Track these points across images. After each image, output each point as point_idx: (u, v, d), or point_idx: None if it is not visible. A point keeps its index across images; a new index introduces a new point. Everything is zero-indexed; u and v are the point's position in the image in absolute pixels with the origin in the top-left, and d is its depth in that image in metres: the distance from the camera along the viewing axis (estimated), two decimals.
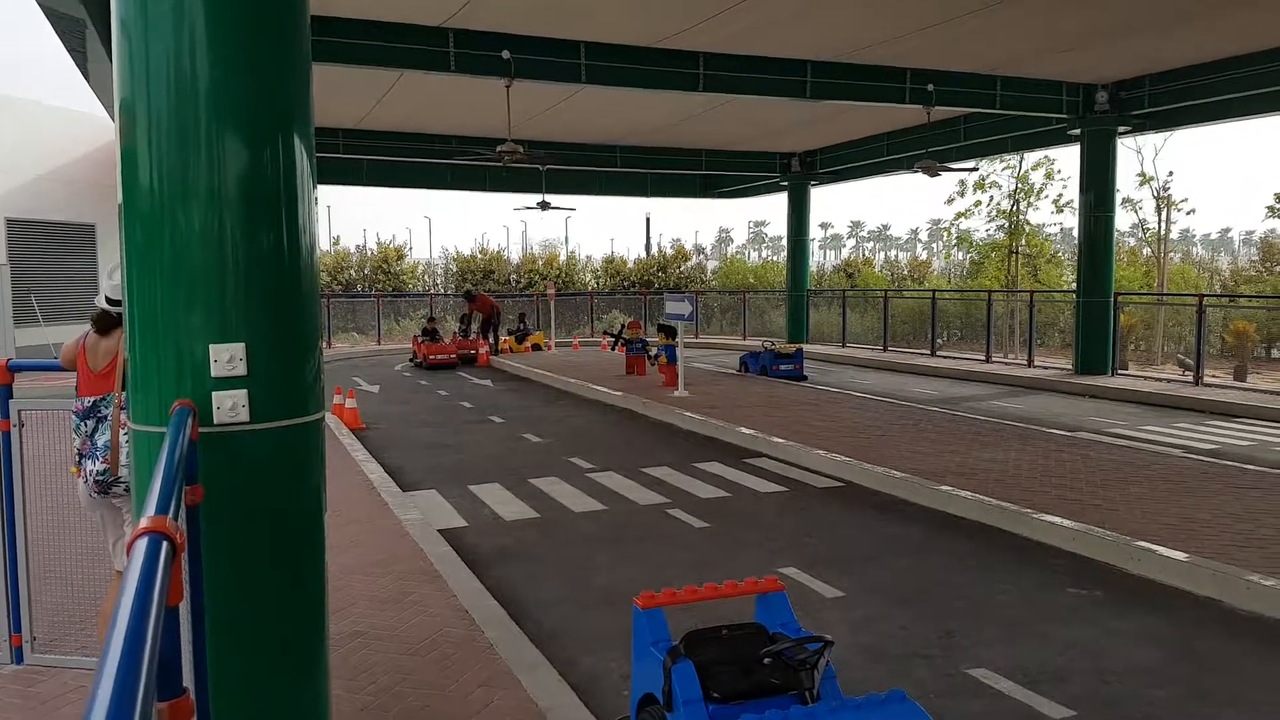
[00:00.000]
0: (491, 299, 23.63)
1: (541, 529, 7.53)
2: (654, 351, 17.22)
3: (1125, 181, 26.94)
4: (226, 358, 2.88)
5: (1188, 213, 49.96)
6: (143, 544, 1.47)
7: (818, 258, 73.78)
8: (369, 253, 34.88)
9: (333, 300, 28.30)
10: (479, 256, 35.18)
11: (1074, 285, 18.73)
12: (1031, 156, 25.06)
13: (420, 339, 21.70)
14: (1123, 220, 24.44)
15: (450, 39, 12.35)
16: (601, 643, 5.11)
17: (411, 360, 21.87)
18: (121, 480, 3.93)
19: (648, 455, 10.44)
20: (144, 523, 1.55)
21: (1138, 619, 5.46)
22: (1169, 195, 26.24)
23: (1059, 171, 25.83)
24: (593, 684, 4.58)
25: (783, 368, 17.41)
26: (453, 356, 20.97)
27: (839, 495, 8.59)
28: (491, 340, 22.56)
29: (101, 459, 3.95)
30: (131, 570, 1.37)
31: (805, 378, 17.37)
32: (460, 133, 20.44)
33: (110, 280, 4.10)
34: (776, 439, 10.46)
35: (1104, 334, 17.06)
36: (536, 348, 24.02)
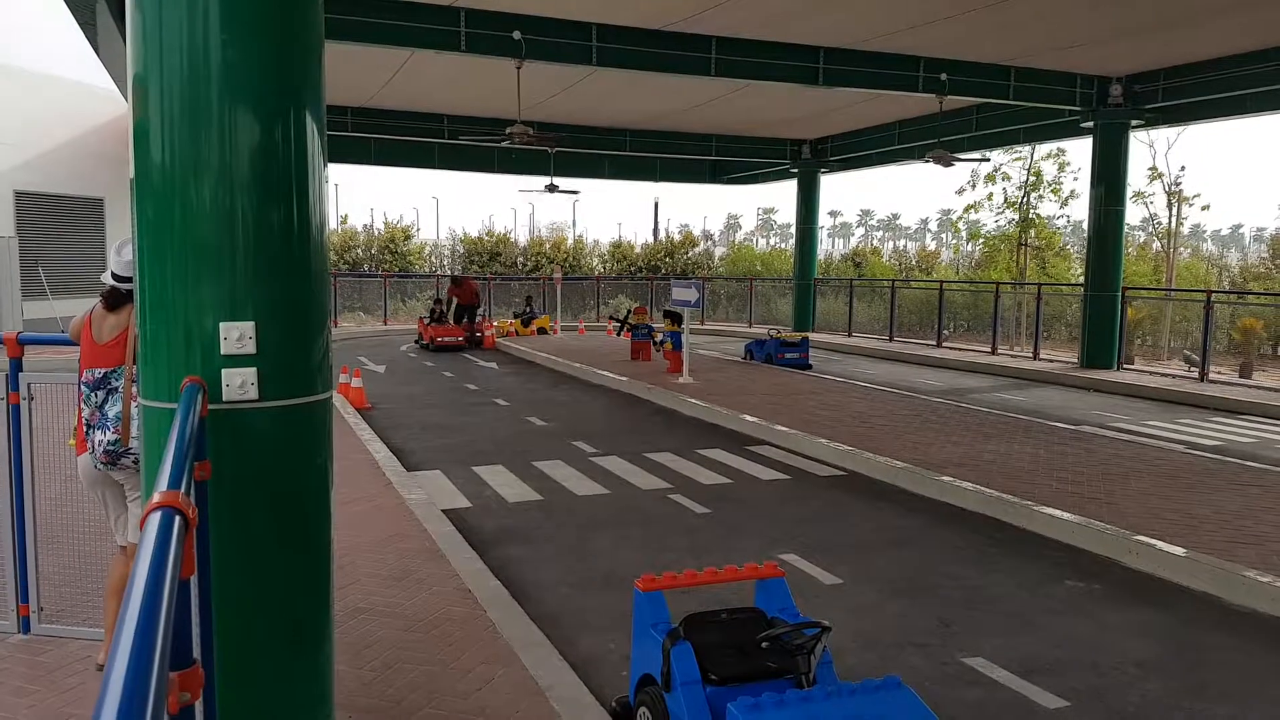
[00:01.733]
0: (476, 285, 23.21)
1: (544, 511, 7.57)
2: (659, 337, 17.24)
3: (1137, 175, 26.87)
4: (236, 335, 2.90)
5: (1203, 208, 49.73)
6: (156, 518, 1.50)
7: (826, 246, 73.54)
8: (376, 232, 34.91)
9: (339, 279, 28.32)
10: (486, 238, 35.17)
11: (1082, 278, 18.68)
12: (1043, 148, 24.95)
13: (427, 321, 21.70)
14: (1133, 214, 24.33)
15: (461, 18, 12.31)
16: (601, 624, 5.15)
17: (417, 342, 21.90)
18: (131, 451, 3.96)
19: (651, 441, 10.48)
20: (157, 498, 1.58)
21: (1135, 612, 5.49)
22: (1180, 190, 26.09)
23: (1069, 163, 25.75)
24: (592, 664, 4.63)
25: (788, 356, 17.42)
26: (459, 339, 20.92)
27: (841, 484, 8.62)
28: (469, 327, 21.77)
29: (113, 429, 3.98)
30: (145, 543, 1.40)
31: (810, 366, 17.38)
32: (470, 113, 20.40)
33: (119, 256, 4.12)
34: (780, 427, 10.49)
35: (1111, 328, 17.04)
36: (542, 331, 24.01)
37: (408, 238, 34.38)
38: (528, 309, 24.74)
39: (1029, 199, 26.66)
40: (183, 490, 1.68)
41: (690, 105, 19.09)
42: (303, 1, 3.08)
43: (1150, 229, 28.54)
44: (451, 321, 21.86)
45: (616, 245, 37.20)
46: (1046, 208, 27.89)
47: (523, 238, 39.07)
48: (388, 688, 4.10)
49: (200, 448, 2.64)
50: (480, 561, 5.96)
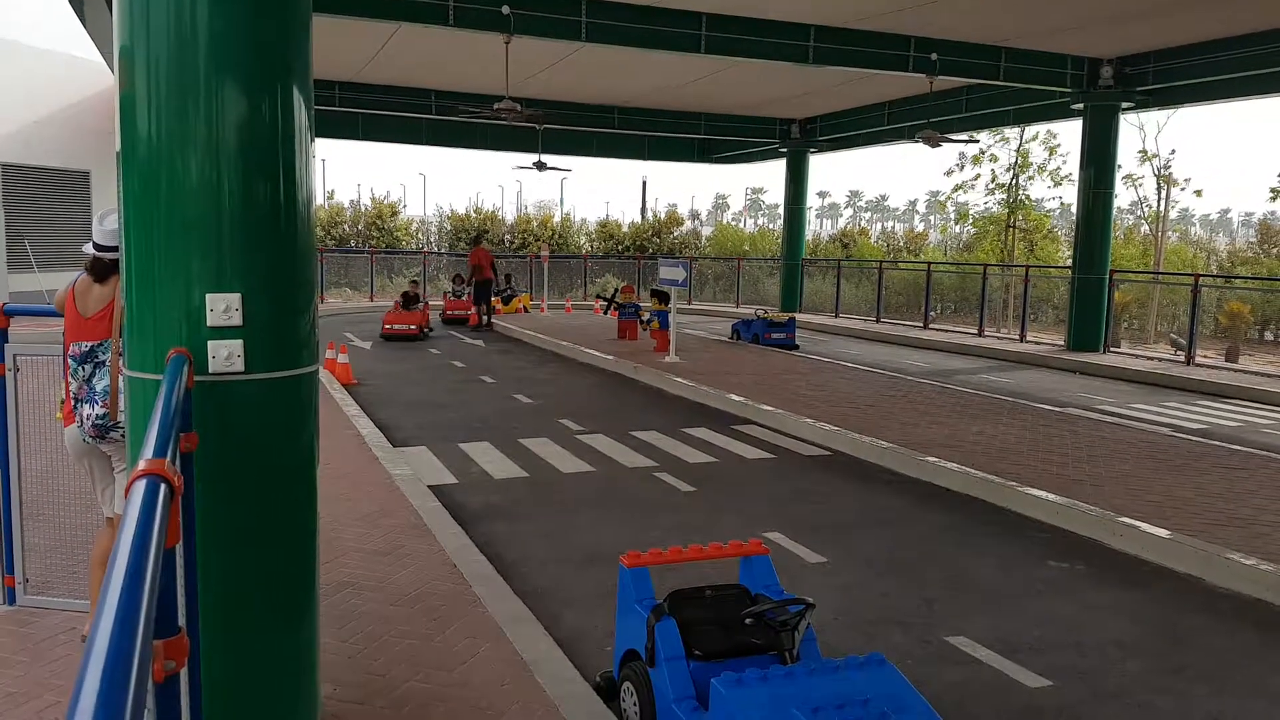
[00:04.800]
0: (489, 257, 21.44)
1: (530, 488, 7.58)
2: (646, 316, 17.22)
3: (1126, 158, 26.90)
4: (223, 307, 2.89)
5: (1195, 193, 50.04)
6: (141, 485, 1.49)
7: (814, 227, 73.43)
8: (363, 208, 34.69)
9: (326, 255, 28.14)
10: (473, 216, 34.98)
11: (1070, 261, 18.75)
12: (1031, 130, 24.96)
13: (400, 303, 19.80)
14: (1123, 198, 24.41)
15: None
16: (586, 600, 5.18)
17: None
18: (120, 425, 3.94)
19: (637, 419, 10.49)
20: (142, 465, 1.57)
21: (1117, 593, 5.55)
22: (1170, 174, 26.14)
23: (1059, 145, 25.80)
24: (577, 639, 4.65)
25: (775, 336, 17.44)
26: (411, 328, 18.64)
27: (826, 464, 8.65)
28: (485, 310, 20.93)
29: (101, 403, 3.96)
30: (130, 511, 1.40)
31: (797, 346, 17.41)
32: (458, 89, 20.24)
33: (101, 225, 4.08)
34: (765, 406, 10.51)
35: (1098, 311, 17.11)
36: (524, 309, 23.88)
37: (395, 214, 34.17)
38: (508, 287, 24.48)
39: (1017, 181, 26.70)
40: (168, 458, 1.68)
41: (679, 83, 19.00)
42: None
43: (1139, 212, 28.62)
44: (468, 297, 21.03)
45: (604, 224, 37.06)
46: (1036, 190, 28.03)
47: (510, 215, 38.87)
48: (372, 661, 4.12)
49: (186, 419, 2.63)
50: (466, 537, 5.97)
